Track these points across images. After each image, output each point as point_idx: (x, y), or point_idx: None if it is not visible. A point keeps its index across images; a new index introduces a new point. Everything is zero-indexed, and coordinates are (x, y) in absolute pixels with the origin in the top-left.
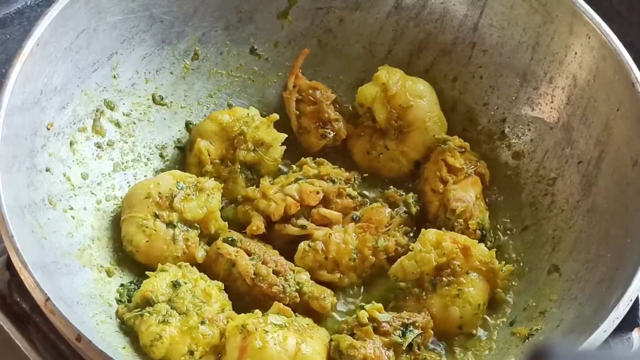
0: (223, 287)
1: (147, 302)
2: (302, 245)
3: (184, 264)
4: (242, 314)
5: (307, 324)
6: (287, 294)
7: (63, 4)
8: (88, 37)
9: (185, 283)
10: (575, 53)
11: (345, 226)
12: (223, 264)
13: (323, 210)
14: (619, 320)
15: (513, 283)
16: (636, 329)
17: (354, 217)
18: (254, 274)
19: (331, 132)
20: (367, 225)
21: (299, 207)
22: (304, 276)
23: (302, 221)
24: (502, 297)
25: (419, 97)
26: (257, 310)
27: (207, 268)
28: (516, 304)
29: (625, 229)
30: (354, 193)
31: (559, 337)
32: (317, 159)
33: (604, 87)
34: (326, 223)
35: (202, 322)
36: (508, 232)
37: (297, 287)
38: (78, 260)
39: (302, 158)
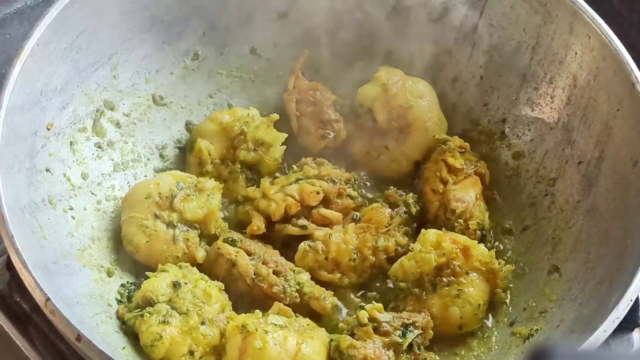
0: (223, 288)
1: (148, 302)
2: (303, 245)
3: (184, 264)
4: (242, 314)
5: (308, 325)
6: (288, 294)
7: (63, 4)
8: (88, 38)
9: (186, 283)
10: (575, 53)
11: (346, 226)
12: (223, 264)
13: (323, 211)
14: (619, 321)
15: (513, 283)
16: (636, 329)
17: (354, 217)
18: (254, 274)
19: (331, 132)
20: (367, 225)
21: (299, 207)
22: (304, 276)
23: (303, 221)
24: (502, 297)
25: (419, 97)
26: (257, 311)
27: (207, 268)
28: (516, 304)
29: (625, 230)
30: (354, 193)
31: (559, 337)
32: (318, 159)
33: (604, 87)
34: (326, 223)
35: (203, 323)
36: (508, 232)
37: (298, 288)
38: (78, 260)
39: (303, 158)
